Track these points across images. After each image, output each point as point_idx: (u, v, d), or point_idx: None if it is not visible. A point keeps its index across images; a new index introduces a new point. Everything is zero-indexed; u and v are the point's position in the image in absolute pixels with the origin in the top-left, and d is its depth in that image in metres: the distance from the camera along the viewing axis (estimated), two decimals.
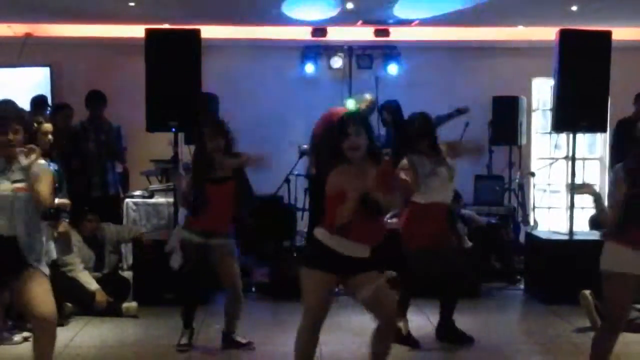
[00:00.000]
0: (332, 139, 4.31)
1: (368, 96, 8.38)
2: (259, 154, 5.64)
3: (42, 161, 4.29)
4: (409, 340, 5.74)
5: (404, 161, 5.72)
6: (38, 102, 8.42)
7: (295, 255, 4.43)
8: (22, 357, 4.37)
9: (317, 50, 10.17)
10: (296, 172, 9.00)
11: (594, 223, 8.31)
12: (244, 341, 5.71)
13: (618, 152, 8.80)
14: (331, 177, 4.23)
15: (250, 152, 5.69)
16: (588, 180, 9.61)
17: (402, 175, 5.38)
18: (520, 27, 9.84)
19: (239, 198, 5.58)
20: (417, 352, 5.67)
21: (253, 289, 7.52)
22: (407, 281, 5.85)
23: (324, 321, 4.29)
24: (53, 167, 5.29)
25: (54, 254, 5.68)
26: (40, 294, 4.20)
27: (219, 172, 5.53)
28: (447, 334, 5.90)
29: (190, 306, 5.73)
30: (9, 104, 4.50)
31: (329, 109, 8.29)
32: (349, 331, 5.96)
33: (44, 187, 4.22)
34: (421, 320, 6.37)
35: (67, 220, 6.16)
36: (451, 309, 5.91)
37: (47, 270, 4.28)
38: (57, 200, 5.88)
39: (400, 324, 5.61)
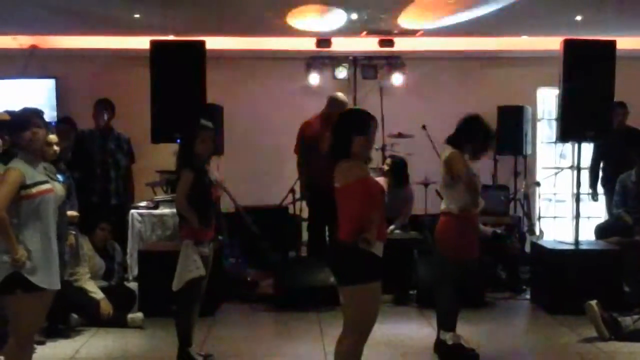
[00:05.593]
0: (343, 134, 4.24)
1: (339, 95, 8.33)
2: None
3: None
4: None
5: (453, 154, 5.55)
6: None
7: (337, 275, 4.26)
8: None
9: (322, 60, 10.19)
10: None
11: (600, 232, 8.30)
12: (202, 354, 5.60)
13: (608, 160, 8.88)
14: (364, 175, 4.21)
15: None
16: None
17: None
18: (525, 37, 9.85)
19: None
20: None
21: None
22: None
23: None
24: (62, 178, 5.32)
25: None
26: None
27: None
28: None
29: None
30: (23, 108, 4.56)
31: (302, 123, 8.26)
32: None
33: None
34: (427, 331, 6.37)
35: (73, 232, 6.18)
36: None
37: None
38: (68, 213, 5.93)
39: (448, 337, 5.60)
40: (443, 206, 5.71)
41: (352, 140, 4.18)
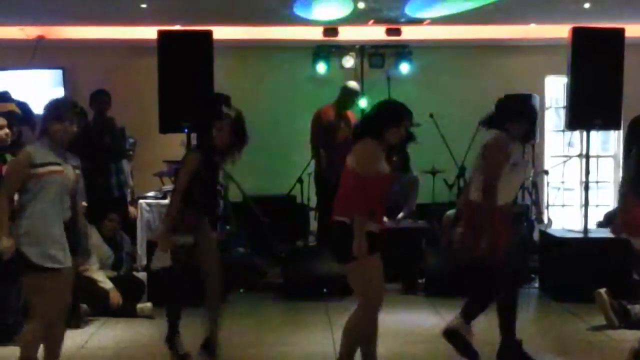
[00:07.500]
0: (377, 122, 4.48)
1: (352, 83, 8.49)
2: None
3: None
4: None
5: (498, 141, 4.97)
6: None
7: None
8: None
9: (329, 49, 10.17)
10: (309, 172, 8.98)
11: (609, 220, 8.26)
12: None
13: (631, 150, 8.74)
14: (373, 154, 4.39)
15: None
16: (602, 178, 9.56)
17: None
18: (533, 25, 9.80)
19: None
20: (431, 350, 5.66)
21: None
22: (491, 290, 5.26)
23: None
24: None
25: None
26: None
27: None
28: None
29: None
30: (64, 99, 4.62)
31: (315, 112, 8.28)
32: None
33: None
34: (435, 319, 6.37)
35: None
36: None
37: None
38: None
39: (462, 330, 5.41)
40: (473, 194, 5.09)
41: (386, 129, 4.44)
